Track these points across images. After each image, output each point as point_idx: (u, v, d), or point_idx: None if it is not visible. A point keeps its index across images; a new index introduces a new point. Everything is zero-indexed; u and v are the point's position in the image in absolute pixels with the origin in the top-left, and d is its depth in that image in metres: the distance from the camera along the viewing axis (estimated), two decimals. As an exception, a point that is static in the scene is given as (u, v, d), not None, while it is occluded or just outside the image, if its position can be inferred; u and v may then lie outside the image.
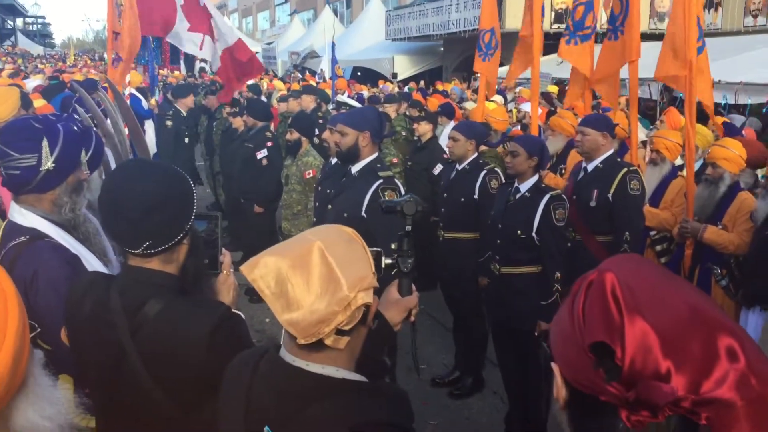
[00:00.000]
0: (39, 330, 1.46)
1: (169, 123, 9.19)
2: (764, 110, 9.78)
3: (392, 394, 1.55)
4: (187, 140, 9.74)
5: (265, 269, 1.43)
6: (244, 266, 1.47)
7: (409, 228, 1.97)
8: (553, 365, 1.10)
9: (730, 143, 4.82)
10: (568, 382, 1.07)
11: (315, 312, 1.39)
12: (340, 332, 1.43)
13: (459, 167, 5.15)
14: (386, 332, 1.79)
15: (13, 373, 1.15)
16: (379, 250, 1.66)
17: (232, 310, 1.93)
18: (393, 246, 1.91)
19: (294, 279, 1.40)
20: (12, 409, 1.19)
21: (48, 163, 2.20)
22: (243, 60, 7.68)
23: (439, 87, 15.86)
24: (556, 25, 16.25)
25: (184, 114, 9.81)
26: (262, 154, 7.27)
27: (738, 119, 8.83)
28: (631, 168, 4.61)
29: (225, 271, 2.10)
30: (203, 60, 30.33)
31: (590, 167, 4.73)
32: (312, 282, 1.40)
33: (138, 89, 10.98)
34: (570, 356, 1.04)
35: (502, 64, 17.53)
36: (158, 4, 7.06)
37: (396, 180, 3.90)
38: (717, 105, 9.69)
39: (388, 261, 1.80)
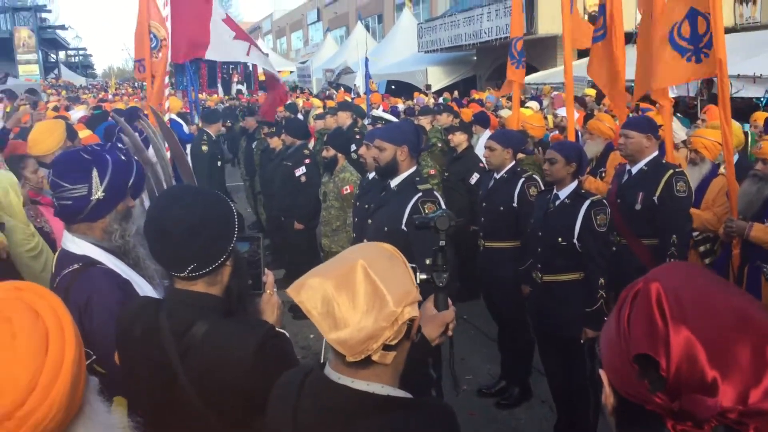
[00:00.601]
0: (94, 357, 1.51)
1: (204, 148, 9.41)
2: None
3: (436, 410, 1.56)
4: (219, 163, 9.94)
5: (311, 291, 1.46)
6: (290, 289, 1.50)
7: (443, 243, 1.98)
8: (601, 372, 1.10)
9: None
10: (615, 389, 1.07)
11: (363, 329, 1.42)
12: (387, 348, 1.45)
13: (497, 176, 5.13)
14: (424, 348, 1.80)
15: (70, 400, 1.19)
16: (413, 266, 1.68)
17: (277, 328, 1.97)
18: (428, 261, 1.93)
19: (340, 298, 1.43)
20: None
21: (98, 193, 2.29)
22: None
23: (475, 96, 15.83)
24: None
25: (215, 138, 10.05)
26: (300, 171, 7.37)
27: (782, 113, 8.61)
28: (677, 170, 4.52)
29: (269, 291, 2.14)
30: (240, 82, 30.81)
31: (635, 170, 4.66)
32: (358, 300, 1.43)
33: (178, 114, 11.23)
34: (616, 365, 1.04)
35: (536, 70, 17.40)
36: (191, 29, 7.24)
37: (435, 192, 3.91)
38: (755, 100, 9.50)
39: (423, 277, 1.82)
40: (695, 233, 5.16)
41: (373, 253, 1.54)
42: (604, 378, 1.09)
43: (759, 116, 7.32)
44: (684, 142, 6.62)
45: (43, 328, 1.20)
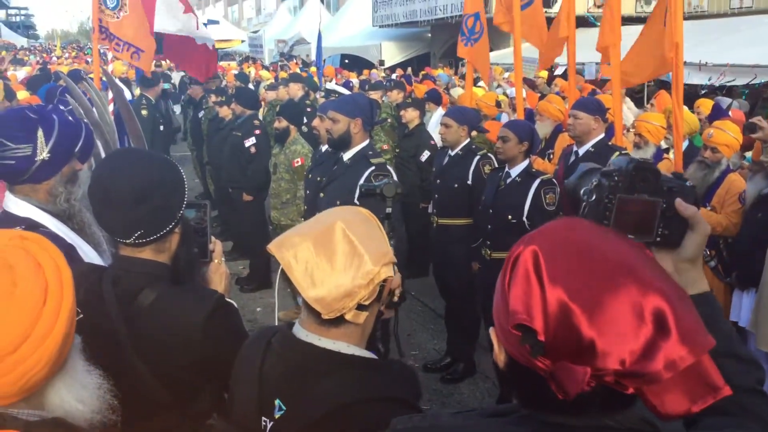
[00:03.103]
0: (81, 315, 1.48)
1: (144, 112, 9.19)
2: (744, 93, 9.82)
3: (401, 372, 1.60)
4: (162, 128, 9.72)
5: (291, 249, 1.50)
6: (271, 245, 1.54)
7: (389, 210, 2.00)
8: (491, 330, 1.08)
9: (730, 127, 4.80)
10: (505, 349, 1.05)
11: (340, 287, 1.46)
12: (360, 307, 1.49)
13: (452, 153, 5.13)
14: None
15: (59, 355, 1.21)
16: None
17: (226, 298, 1.93)
18: None
19: (319, 257, 1.48)
20: (48, 388, 1.23)
21: (43, 154, 2.19)
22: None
23: (427, 74, 15.79)
24: (544, 9, 16.17)
25: (154, 102, 9.81)
26: (250, 142, 7.24)
27: (724, 101, 8.86)
28: (623, 152, 4.61)
29: (216, 260, 2.10)
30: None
31: (581, 151, 4.72)
32: (336, 259, 1.47)
33: (121, 80, 10.90)
34: (503, 327, 1.01)
35: (491, 50, 17.51)
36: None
37: (388, 166, 3.90)
38: (698, 87, 9.77)
39: None
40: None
41: (351, 215, 1.58)
42: (494, 336, 1.07)
43: (702, 103, 7.51)
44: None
45: (43, 280, 1.20)
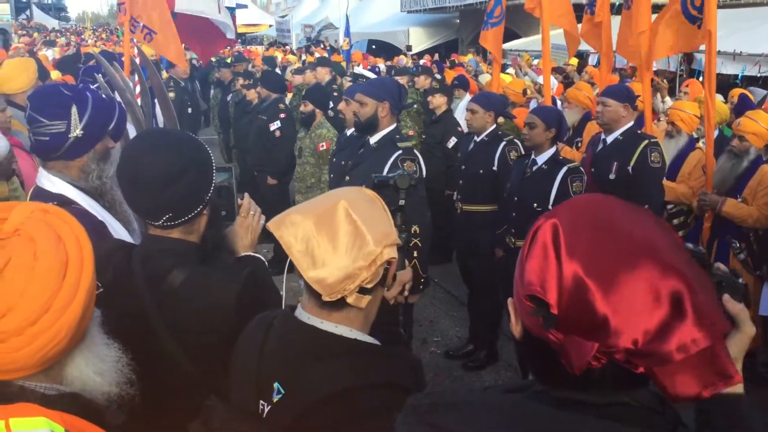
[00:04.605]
0: (101, 290, 1.51)
1: (171, 94, 9.23)
2: None
3: (405, 360, 1.56)
4: (190, 110, 9.75)
5: (291, 227, 1.45)
6: (270, 223, 1.50)
7: (402, 202, 1.98)
8: (509, 302, 1.08)
9: (761, 117, 4.71)
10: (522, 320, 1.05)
11: (342, 268, 1.41)
12: (362, 290, 1.45)
13: (477, 139, 5.09)
14: (382, 307, 1.79)
15: (77, 328, 1.23)
16: None
17: (252, 254, 1.95)
18: None
19: (320, 236, 1.43)
20: (67, 360, 1.26)
21: (77, 131, 2.21)
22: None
23: (456, 60, 15.68)
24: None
25: (182, 84, 9.82)
26: (275, 125, 7.26)
27: (759, 93, 8.68)
28: (652, 140, 4.52)
29: (243, 214, 2.09)
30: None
31: (610, 139, 4.64)
32: (338, 239, 1.42)
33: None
34: (519, 298, 1.02)
35: (517, 36, 17.28)
36: None
37: (415, 151, 3.87)
38: (732, 77, 9.58)
39: None
40: (669, 206, 5.20)
41: (355, 195, 1.54)
42: (511, 308, 1.07)
43: (737, 93, 7.37)
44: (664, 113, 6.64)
45: (64, 253, 1.22)
